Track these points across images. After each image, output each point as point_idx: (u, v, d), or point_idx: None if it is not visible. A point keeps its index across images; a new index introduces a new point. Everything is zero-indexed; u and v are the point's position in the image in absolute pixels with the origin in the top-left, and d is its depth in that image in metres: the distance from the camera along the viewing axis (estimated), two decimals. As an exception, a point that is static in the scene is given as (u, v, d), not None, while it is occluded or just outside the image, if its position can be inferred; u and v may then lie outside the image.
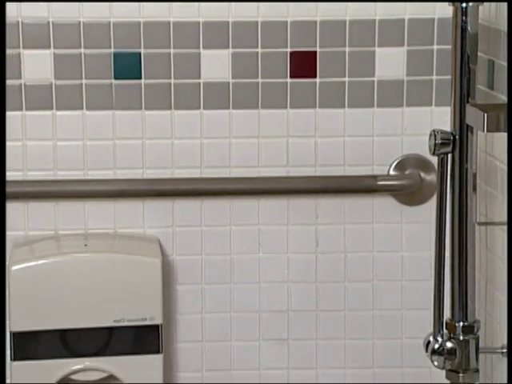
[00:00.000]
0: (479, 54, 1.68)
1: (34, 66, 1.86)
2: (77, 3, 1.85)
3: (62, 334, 1.84)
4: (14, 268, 1.83)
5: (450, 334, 1.69)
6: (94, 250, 1.88)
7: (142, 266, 1.86)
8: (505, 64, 1.70)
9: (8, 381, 1.87)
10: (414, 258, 1.96)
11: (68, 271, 1.84)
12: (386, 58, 1.90)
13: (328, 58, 1.89)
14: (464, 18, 1.63)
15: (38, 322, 1.83)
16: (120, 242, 1.92)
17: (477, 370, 1.69)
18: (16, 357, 1.84)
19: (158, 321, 1.85)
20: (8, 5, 1.82)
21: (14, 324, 1.83)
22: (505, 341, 1.71)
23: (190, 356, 1.97)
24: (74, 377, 1.87)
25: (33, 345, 1.84)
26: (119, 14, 1.86)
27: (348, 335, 1.98)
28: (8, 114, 1.87)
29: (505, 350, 1.70)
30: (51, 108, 1.88)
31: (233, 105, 1.90)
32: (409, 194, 1.94)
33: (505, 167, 1.72)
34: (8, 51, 1.85)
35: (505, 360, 1.71)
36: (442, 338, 1.69)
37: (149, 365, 1.87)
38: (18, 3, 1.84)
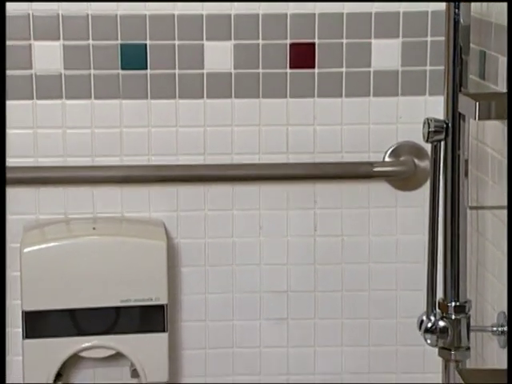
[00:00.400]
0: (471, 45, 1.68)
1: (44, 56, 1.87)
2: (85, -4, 1.86)
3: (72, 313, 1.85)
4: (26, 250, 1.83)
5: (442, 313, 1.69)
6: (101, 233, 1.88)
7: (148, 248, 1.86)
8: (496, 55, 1.70)
9: (20, 358, 1.88)
10: (408, 241, 1.96)
11: (77, 253, 1.85)
12: (382, 50, 1.90)
13: (326, 50, 1.89)
14: (457, 10, 1.63)
15: (49, 302, 1.84)
16: (127, 225, 1.92)
17: (468, 348, 1.70)
18: (28, 335, 1.85)
19: (164, 301, 1.86)
20: (19, -3, 1.83)
21: (25, 304, 1.84)
22: (495, 320, 1.72)
23: (193, 334, 1.97)
24: (82, 354, 1.88)
25: (44, 323, 1.85)
26: (126, 7, 1.86)
27: (345, 315, 1.98)
28: (19, 102, 1.87)
29: (495, 329, 1.70)
30: (61, 97, 1.88)
31: (235, 94, 1.90)
32: (403, 180, 1.94)
33: (496, 154, 1.72)
34: (19, 42, 1.85)
35: (495, 338, 1.72)
36: (435, 317, 1.69)
37: (154, 343, 1.87)
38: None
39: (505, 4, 1.62)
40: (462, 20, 1.63)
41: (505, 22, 1.66)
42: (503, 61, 1.67)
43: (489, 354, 1.78)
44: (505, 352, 1.70)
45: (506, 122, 1.66)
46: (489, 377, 1.70)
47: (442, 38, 1.69)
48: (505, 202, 1.68)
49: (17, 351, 1.90)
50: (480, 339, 1.79)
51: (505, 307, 1.70)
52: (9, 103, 1.87)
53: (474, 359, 1.76)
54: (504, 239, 1.70)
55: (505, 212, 1.69)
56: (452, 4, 1.63)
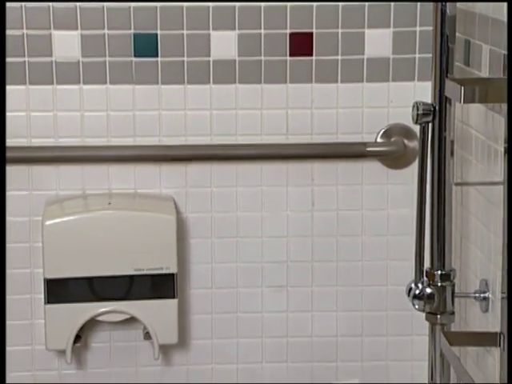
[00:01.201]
0: (457, 34, 1.68)
1: (63, 45, 1.86)
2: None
3: (90, 280, 1.85)
4: (47, 223, 1.84)
5: (429, 281, 1.69)
6: (116, 208, 1.88)
7: (159, 221, 1.86)
8: (479, 43, 1.70)
9: (42, 321, 1.88)
10: (397, 215, 1.96)
11: (94, 226, 1.85)
12: (374, 39, 1.90)
13: (323, 39, 1.89)
14: (444, 2, 1.62)
15: (69, 271, 1.85)
16: (139, 200, 1.92)
17: (452, 313, 1.70)
18: (49, 300, 1.85)
19: (173, 270, 1.86)
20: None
21: (47, 272, 1.84)
22: (477, 287, 1.73)
23: (201, 300, 1.97)
24: (99, 318, 1.88)
25: (64, 290, 1.85)
26: (138, -1, 1.87)
27: (339, 282, 1.98)
28: (40, 87, 1.87)
29: (477, 295, 1.71)
30: (79, 82, 1.88)
31: (239, 80, 1.90)
32: (394, 159, 1.94)
33: (479, 135, 1.72)
34: (40, 32, 1.85)
35: (477, 303, 1.72)
36: (423, 284, 1.69)
37: (165, 308, 1.87)
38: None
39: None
40: (448, 11, 1.62)
41: (488, 12, 1.66)
42: (486, 48, 1.67)
43: (471, 318, 1.79)
44: (486, 316, 1.71)
45: (489, 105, 1.67)
46: (471, 339, 1.72)
47: (430, 28, 1.69)
48: (487, 179, 1.70)
49: (39, 315, 1.90)
50: (463, 304, 1.80)
51: (486, 275, 1.71)
52: (31, 87, 1.87)
53: (457, 323, 1.76)
54: (486, 213, 1.71)
55: (487, 188, 1.70)
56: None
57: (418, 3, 1.88)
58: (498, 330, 1.62)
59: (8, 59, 1.86)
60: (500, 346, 1.57)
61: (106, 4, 1.86)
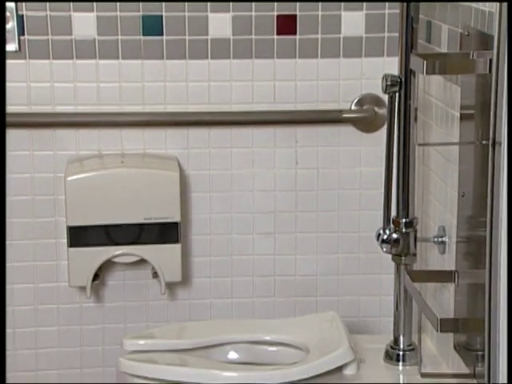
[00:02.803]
0: (420, 16, 1.69)
1: (81, 25, 1.86)
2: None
3: (106, 228, 1.86)
4: (69, 179, 1.84)
5: (395, 227, 1.71)
6: (128, 166, 1.88)
7: (165, 177, 1.86)
8: (439, 23, 1.70)
9: (65, 262, 1.89)
10: (369, 172, 1.96)
11: (109, 181, 1.85)
12: (349, 20, 1.89)
13: (305, 20, 1.89)
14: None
15: (88, 219, 1.85)
16: (148, 159, 1.92)
17: (415, 254, 1.72)
18: (71, 244, 1.86)
19: (177, 219, 1.87)
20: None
21: (69, 220, 1.85)
22: (436, 232, 1.74)
23: (201, 245, 1.97)
24: (114, 260, 1.89)
25: (84, 236, 1.86)
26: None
27: (319, 229, 1.99)
28: (62, 62, 1.87)
29: (436, 239, 1.73)
30: (95, 57, 1.88)
31: (233, 55, 1.90)
32: (366, 124, 1.94)
33: (439, 103, 1.73)
34: (62, 14, 1.85)
35: (435, 246, 1.74)
36: (390, 230, 1.71)
37: (170, 251, 1.88)
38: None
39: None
40: (413, -4, 1.63)
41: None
42: (445, 28, 1.67)
43: (430, 259, 1.80)
44: (443, 257, 1.73)
45: (447, 76, 1.67)
46: (430, 276, 1.73)
47: (397, 11, 1.70)
48: (445, 140, 1.71)
49: (63, 257, 1.91)
50: (424, 247, 1.81)
51: (443, 222, 1.72)
52: (54, 62, 1.86)
53: (419, 263, 1.77)
54: (444, 170, 1.71)
55: (445, 148, 1.70)
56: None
57: (387, -11, 1.88)
58: (453, 268, 1.65)
59: (34, 37, 1.85)
60: (454, 282, 1.59)
61: (118, -11, 1.85)
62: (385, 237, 1.71)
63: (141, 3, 1.86)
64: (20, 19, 1.84)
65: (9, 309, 1.95)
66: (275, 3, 1.88)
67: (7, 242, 1.92)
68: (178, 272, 1.90)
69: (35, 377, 1.99)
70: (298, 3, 1.88)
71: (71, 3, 1.85)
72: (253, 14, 1.89)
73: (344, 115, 1.93)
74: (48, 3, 1.85)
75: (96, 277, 1.90)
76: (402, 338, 1.76)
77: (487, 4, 1.46)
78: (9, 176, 1.91)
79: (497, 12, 1.15)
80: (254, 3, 1.88)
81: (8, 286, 1.94)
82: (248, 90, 1.92)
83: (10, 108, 1.87)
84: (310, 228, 1.99)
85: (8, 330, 1.96)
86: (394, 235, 1.70)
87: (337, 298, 2.01)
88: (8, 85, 1.86)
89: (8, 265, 1.94)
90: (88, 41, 1.87)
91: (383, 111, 1.90)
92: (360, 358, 1.74)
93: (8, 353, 1.96)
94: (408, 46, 1.65)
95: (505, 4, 1.12)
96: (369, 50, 1.91)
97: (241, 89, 1.92)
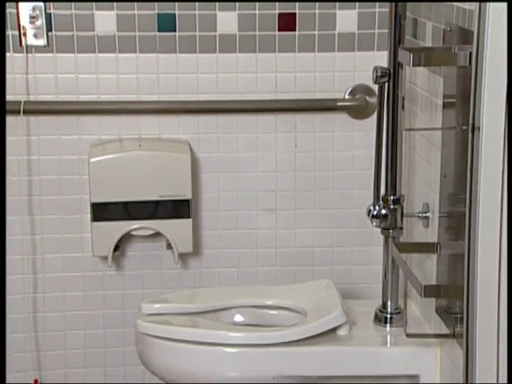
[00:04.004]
0: (407, 14, 1.68)
1: (103, 22, 1.85)
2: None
3: (125, 204, 1.86)
4: (92, 160, 1.84)
5: (384, 204, 1.71)
6: (145, 149, 1.88)
7: (178, 159, 1.86)
8: (424, 21, 1.69)
9: (89, 235, 1.89)
10: (360, 154, 1.95)
11: (128, 163, 1.85)
12: (344, 18, 1.89)
13: (304, 17, 1.88)
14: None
15: (109, 196, 1.85)
16: (163, 143, 1.91)
17: (401, 228, 1.72)
18: (95, 219, 1.86)
19: (189, 196, 1.86)
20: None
21: (92, 197, 1.85)
22: (420, 208, 1.73)
23: (210, 220, 1.97)
24: (132, 233, 1.89)
25: (105, 211, 1.85)
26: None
27: (316, 206, 1.98)
28: (85, 55, 1.86)
29: (420, 214, 1.72)
30: (115, 51, 1.87)
31: (239, 50, 1.89)
32: (358, 111, 1.93)
33: (423, 92, 1.72)
34: (85, 12, 1.84)
35: (420, 221, 1.73)
36: (379, 207, 1.71)
37: (182, 225, 1.88)
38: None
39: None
40: (400, -4, 1.62)
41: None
42: (429, 25, 1.66)
43: (415, 232, 1.80)
44: (427, 231, 1.72)
45: (431, 68, 1.66)
46: (415, 247, 1.73)
47: (387, 9, 1.69)
48: (429, 126, 1.69)
49: (87, 230, 1.91)
50: (410, 222, 1.80)
51: (427, 200, 1.71)
52: (78, 55, 1.86)
53: (405, 236, 1.77)
54: (427, 152, 1.70)
55: (429, 132, 1.69)
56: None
57: (377, -10, 1.87)
58: (435, 240, 1.65)
59: (61, 33, 1.85)
60: (437, 252, 1.60)
61: (135, -10, 1.85)
62: (375, 212, 1.71)
63: (156, 2, 1.85)
64: (48, 17, 1.83)
65: (40, 276, 1.97)
66: (277, 2, 1.87)
67: (39, 217, 1.93)
68: (190, 244, 1.90)
69: (63, 336, 2.00)
70: (297, 3, 1.87)
71: (94, 2, 1.84)
72: (257, 12, 1.88)
73: (338, 104, 1.92)
74: (73, 3, 1.84)
75: (116, 248, 1.90)
76: (389, 303, 1.76)
77: (467, 3, 1.45)
78: (39, 158, 1.91)
79: (476, 10, 1.14)
80: (257, 3, 1.87)
81: (39, 256, 1.95)
82: (252, 80, 1.92)
83: (39, 97, 1.87)
84: (308, 205, 1.99)
85: (39, 295, 1.97)
86: (383, 211, 1.70)
87: (331, 267, 2.01)
88: (37, 76, 1.86)
89: (39, 237, 1.95)
90: (109, 36, 1.87)
91: (373, 100, 1.89)
92: (352, 320, 1.75)
93: (39, 315, 1.98)
94: (396, 41, 1.65)
95: (490, 4, 1.12)
96: (361, 45, 1.90)
97: (246, 80, 1.91)
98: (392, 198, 1.71)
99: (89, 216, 1.88)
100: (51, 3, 1.83)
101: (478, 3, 1.13)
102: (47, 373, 2.01)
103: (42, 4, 1.82)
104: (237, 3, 1.87)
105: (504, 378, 1.18)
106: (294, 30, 1.89)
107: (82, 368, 2.02)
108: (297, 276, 2.01)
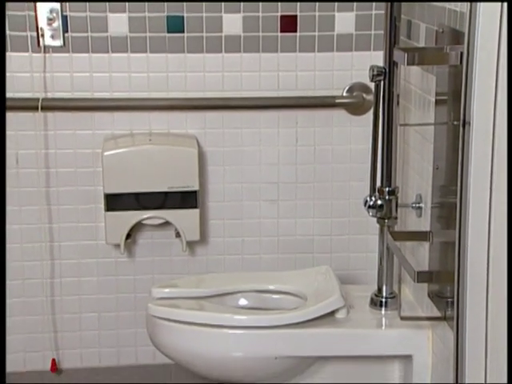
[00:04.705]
0: (402, 16, 1.68)
1: (116, 24, 1.85)
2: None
3: (136, 195, 1.86)
4: (106, 154, 1.84)
5: (379, 195, 1.71)
6: (155, 143, 1.87)
7: (186, 153, 1.86)
8: (418, 22, 1.69)
9: (103, 224, 1.89)
10: (358, 148, 1.95)
11: (139, 156, 1.85)
12: (342, 20, 1.88)
13: (304, 19, 1.88)
14: (392, -7, 1.62)
15: (121, 188, 1.85)
16: (172, 137, 1.91)
17: (396, 218, 1.72)
18: (108, 209, 1.86)
19: (196, 188, 1.86)
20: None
21: (106, 189, 1.85)
22: (414, 199, 1.73)
23: (216, 210, 1.97)
24: (143, 222, 1.89)
25: (118, 201, 1.86)
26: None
27: (316, 197, 1.98)
28: (99, 55, 1.86)
29: (414, 205, 1.71)
30: (127, 51, 1.87)
31: (243, 50, 1.89)
32: (355, 108, 1.93)
33: (417, 90, 1.71)
34: (99, 14, 1.83)
35: (413, 211, 1.73)
36: (375, 198, 1.70)
37: (190, 215, 1.88)
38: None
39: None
40: (396, -1, 1.62)
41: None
42: (423, 26, 1.66)
43: (409, 222, 1.80)
44: (420, 220, 1.72)
45: (424, 67, 1.66)
46: (409, 236, 1.73)
47: (382, 12, 1.69)
48: (422, 121, 1.70)
49: (101, 219, 1.91)
50: (404, 212, 1.80)
51: (420, 191, 1.71)
52: (93, 55, 1.86)
53: (399, 225, 1.77)
54: (421, 146, 1.70)
55: (422, 128, 1.68)
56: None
57: (374, -7, 1.87)
58: (428, 229, 1.65)
59: (76, 34, 1.85)
60: (429, 240, 1.60)
61: (146, -6, 1.85)
62: (371, 203, 1.71)
63: (166, 4, 1.85)
64: (64, 19, 1.83)
65: (57, 262, 1.97)
66: (279, 4, 1.87)
67: (56, 207, 1.93)
68: (197, 232, 1.90)
69: (78, 318, 2.01)
70: (298, 4, 1.87)
71: (107, 4, 1.84)
72: (260, 14, 1.88)
73: (337, 101, 1.92)
74: (88, 5, 1.84)
75: (128, 236, 1.90)
76: (384, 288, 1.76)
77: (459, 5, 1.45)
78: (56, 151, 1.92)
79: (467, 12, 1.14)
80: (261, 5, 1.86)
81: (56, 244, 1.96)
82: (256, 79, 1.91)
83: (56, 94, 1.87)
84: (308, 196, 1.99)
85: (56, 280, 1.98)
86: (379, 202, 1.70)
87: (330, 255, 2.01)
88: (54, 74, 1.86)
89: (56, 225, 1.95)
90: (121, 37, 1.87)
91: (370, 97, 1.89)
92: (349, 304, 1.75)
93: (56, 298, 1.99)
94: (391, 42, 1.65)
95: (480, 4, 1.11)
96: (358, 45, 1.90)
97: (250, 78, 1.91)
98: (387, 189, 1.71)
99: (102, 206, 1.88)
100: (67, 5, 1.83)
101: (468, 6, 1.13)
102: (64, 352, 2.02)
103: (58, 7, 1.82)
104: (241, 4, 1.86)
105: (493, 360, 1.19)
106: (295, 31, 1.89)
107: (97, 348, 2.03)
108: (298, 263, 2.01)
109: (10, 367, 1.96)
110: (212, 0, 1.85)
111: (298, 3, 1.87)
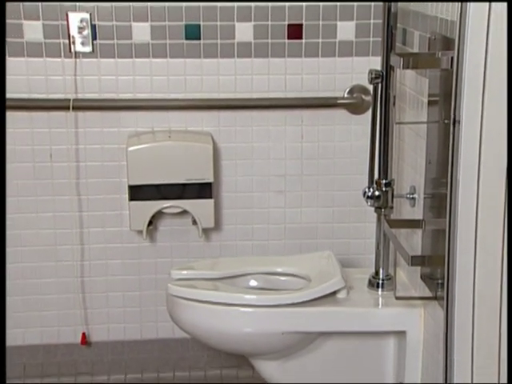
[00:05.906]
0: (398, 24, 1.67)
1: (139, 32, 1.85)
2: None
3: (157, 186, 1.85)
4: (130, 149, 1.84)
5: (377, 187, 1.69)
6: (174, 140, 1.87)
7: (202, 149, 1.86)
8: (412, 30, 1.68)
9: (127, 212, 1.89)
10: (357, 145, 1.95)
11: (160, 151, 1.85)
12: (343, 28, 1.87)
13: (309, 28, 1.87)
14: (389, 4, 1.61)
15: (144, 180, 1.85)
16: (189, 135, 1.91)
17: (392, 207, 1.70)
18: (132, 199, 1.85)
19: (211, 180, 1.86)
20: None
21: (130, 181, 1.85)
22: (408, 190, 1.72)
23: (229, 200, 1.97)
24: (164, 210, 1.88)
25: (141, 192, 1.85)
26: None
27: (319, 188, 1.98)
28: (124, 60, 1.85)
29: (408, 196, 1.70)
30: (149, 57, 1.87)
31: (254, 55, 1.88)
32: (355, 108, 1.92)
33: (411, 91, 1.70)
34: (124, 23, 1.83)
35: (407, 201, 1.72)
36: (373, 189, 1.69)
37: (206, 205, 1.88)
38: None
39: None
40: (392, 9, 1.61)
41: (419, 9, 1.64)
42: (416, 34, 1.65)
43: (404, 211, 1.79)
44: (413, 209, 1.71)
45: (417, 70, 1.65)
46: (403, 224, 1.73)
47: (380, 21, 1.67)
48: (416, 120, 1.69)
49: (125, 208, 1.92)
50: (399, 202, 1.80)
51: (413, 183, 1.70)
52: (118, 60, 1.86)
53: (395, 214, 1.76)
54: (414, 143, 1.69)
55: (416, 126, 1.67)
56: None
57: (372, 3, 1.86)
58: (421, 218, 1.65)
59: (104, 41, 1.85)
60: (422, 228, 1.60)
61: (166, 4, 1.84)
62: (369, 194, 1.70)
63: (184, 14, 1.85)
64: (93, 28, 1.83)
65: (86, 246, 1.98)
66: (287, 14, 1.86)
67: (85, 197, 1.94)
68: (212, 220, 1.90)
69: (106, 297, 2.02)
70: (304, 14, 1.86)
71: (132, 14, 1.84)
72: (269, 23, 1.88)
73: (338, 101, 1.92)
74: (114, 15, 1.84)
75: (150, 223, 1.90)
76: (381, 271, 1.76)
77: (450, 14, 1.44)
78: (85, 147, 1.92)
79: (457, 20, 1.14)
80: (270, 14, 1.86)
81: (85, 230, 1.97)
82: (265, 81, 1.91)
83: (85, 95, 1.88)
84: (312, 187, 1.99)
85: (85, 262, 1.99)
86: (376, 192, 1.69)
87: (332, 241, 2.01)
88: (84, 77, 1.87)
89: (85, 214, 1.95)
90: (144, 44, 1.87)
91: (369, 98, 1.89)
92: (349, 285, 1.75)
93: (86, 279, 2.00)
94: (388, 48, 1.63)
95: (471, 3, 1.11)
96: (358, 51, 1.89)
97: (260, 81, 1.91)
98: (384, 181, 1.70)
99: (127, 196, 1.88)
100: (95, 15, 1.83)
101: (458, 15, 1.13)
102: (93, 327, 2.03)
103: (88, 17, 1.83)
104: (252, 14, 1.86)
105: (479, 334, 1.19)
106: (301, 38, 1.88)
107: (122, 323, 2.04)
108: (303, 248, 2.01)
109: (45, 340, 1.99)
110: (225, 0, 1.83)
111: (304, 13, 1.86)
